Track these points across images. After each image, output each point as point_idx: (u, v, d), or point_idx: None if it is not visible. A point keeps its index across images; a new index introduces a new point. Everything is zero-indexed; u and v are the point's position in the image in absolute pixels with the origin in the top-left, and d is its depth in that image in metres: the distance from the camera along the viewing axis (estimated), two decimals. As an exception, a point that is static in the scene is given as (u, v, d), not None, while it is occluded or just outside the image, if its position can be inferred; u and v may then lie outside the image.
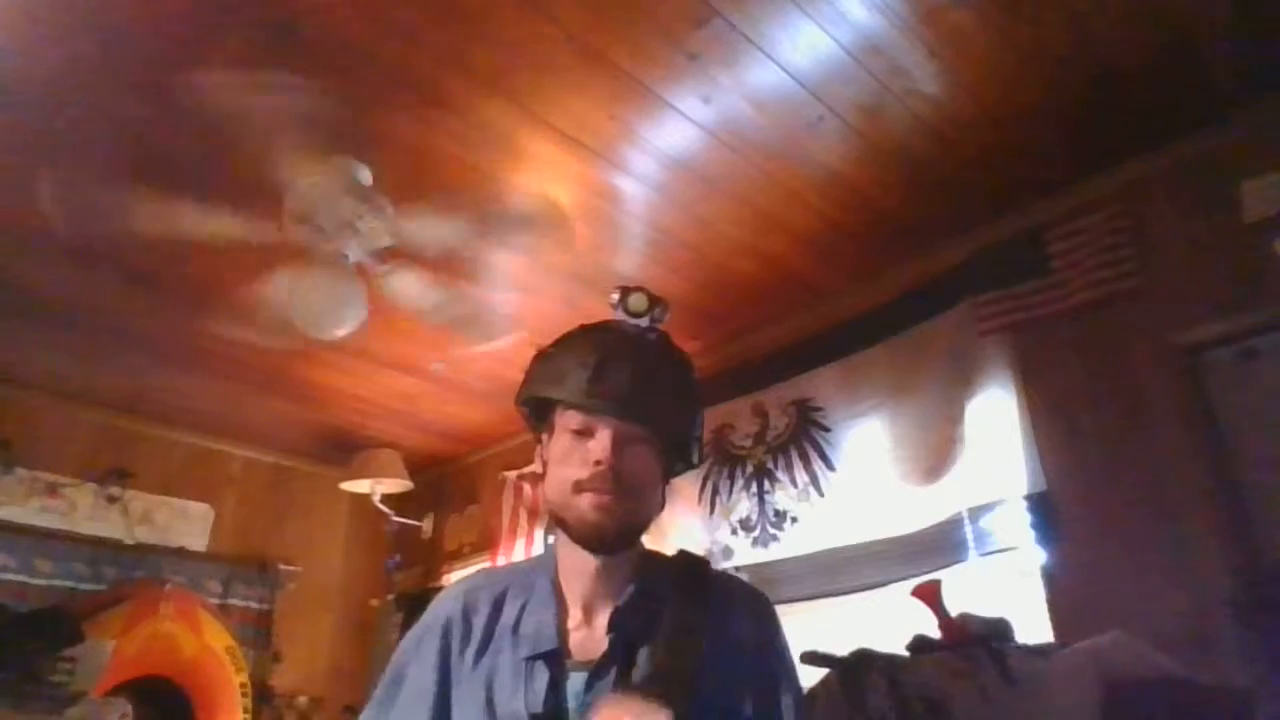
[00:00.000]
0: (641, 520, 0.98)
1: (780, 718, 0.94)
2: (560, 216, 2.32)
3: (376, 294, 2.40)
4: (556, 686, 0.90)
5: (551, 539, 1.05)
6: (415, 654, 0.98)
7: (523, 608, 0.98)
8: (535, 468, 1.03)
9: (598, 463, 0.92)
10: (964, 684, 1.49)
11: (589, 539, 0.94)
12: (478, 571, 1.11)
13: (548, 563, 1.03)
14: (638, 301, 1.01)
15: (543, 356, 1.02)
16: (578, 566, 0.98)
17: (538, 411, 1.03)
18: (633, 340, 1.00)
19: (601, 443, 0.93)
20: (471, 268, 2.61)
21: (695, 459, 1.07)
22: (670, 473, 1.04)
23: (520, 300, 2.81)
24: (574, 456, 0.94)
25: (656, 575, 0.99)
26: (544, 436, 1.02)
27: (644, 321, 1.01)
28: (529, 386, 1.01)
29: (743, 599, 1.03)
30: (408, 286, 2.44)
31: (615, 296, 1.02)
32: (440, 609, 1.00)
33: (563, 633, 0.95)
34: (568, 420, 0.96)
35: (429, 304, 2.55)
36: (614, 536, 0.94)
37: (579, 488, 0.93)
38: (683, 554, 1.06)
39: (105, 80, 1.91)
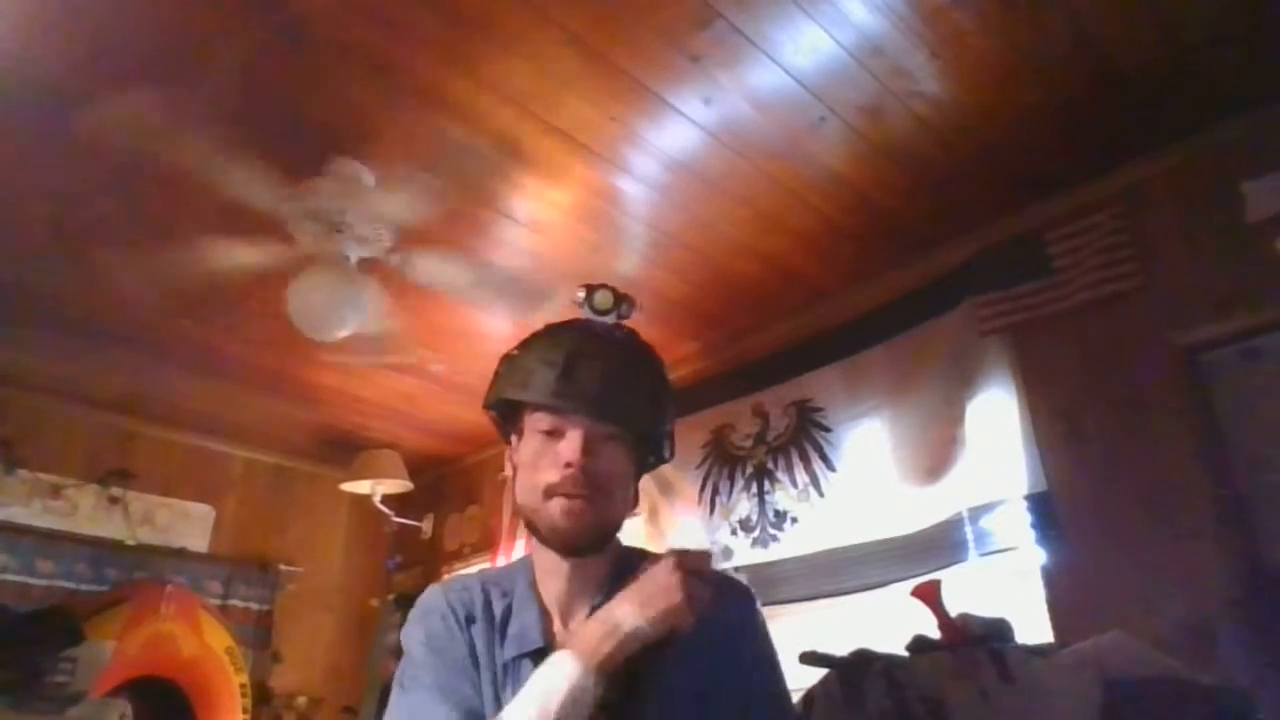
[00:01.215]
0: (612, 521, 0.97)
1: (752, 711, 0.93)
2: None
3: (393, 287, 2.40)
4: None
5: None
6: (430, 631, 0.95)
7: (507, 609, 0.97)
8: (505, 472, 1.02)
9: (568, 464, 0.90)
10: (964, 684, 1.49)
11: (559, 544, 0.93)
12: (457, 575, 1.09)
13: (525, 566, 1.02)
14: (603, 299, 1.00)
15: (508, 358, 1.00)
16: (552, 568, 0.97)
17: (506, 415, 1.02)
18: (600, 338, 0.98)
19: (572, 444, 0.91)
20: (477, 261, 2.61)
21: (667, 454, 1.05)
22: (642, 469, 1.03)
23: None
24: (544, 459, 0.93)
25: (635, 574, 0.97)
26: (513, 440, 1.01)
27: (610, 318, 1.00)
28: (496, 389, 0.99)
29: (725, 596, 1.00)
30: (432, 267, 2.42)
31: (580, 295, 1.01)
32: (434, 601, 0.98)
33: (548, 633, 0.95)
34: (537, 422, 0.95)
35: (462, 281, 2.50)
36: (585, 541, 0.93)
37: (550, 492, 0.92)
38: (669, 552, 1.05)
39: (107, 82, 1.91)
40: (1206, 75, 1.90)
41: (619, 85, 1.92)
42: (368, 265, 2.35)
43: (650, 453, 1.03)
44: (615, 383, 0.93)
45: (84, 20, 1.76)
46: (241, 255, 2.32)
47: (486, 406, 1.03)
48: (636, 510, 1.02)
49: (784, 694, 1.01)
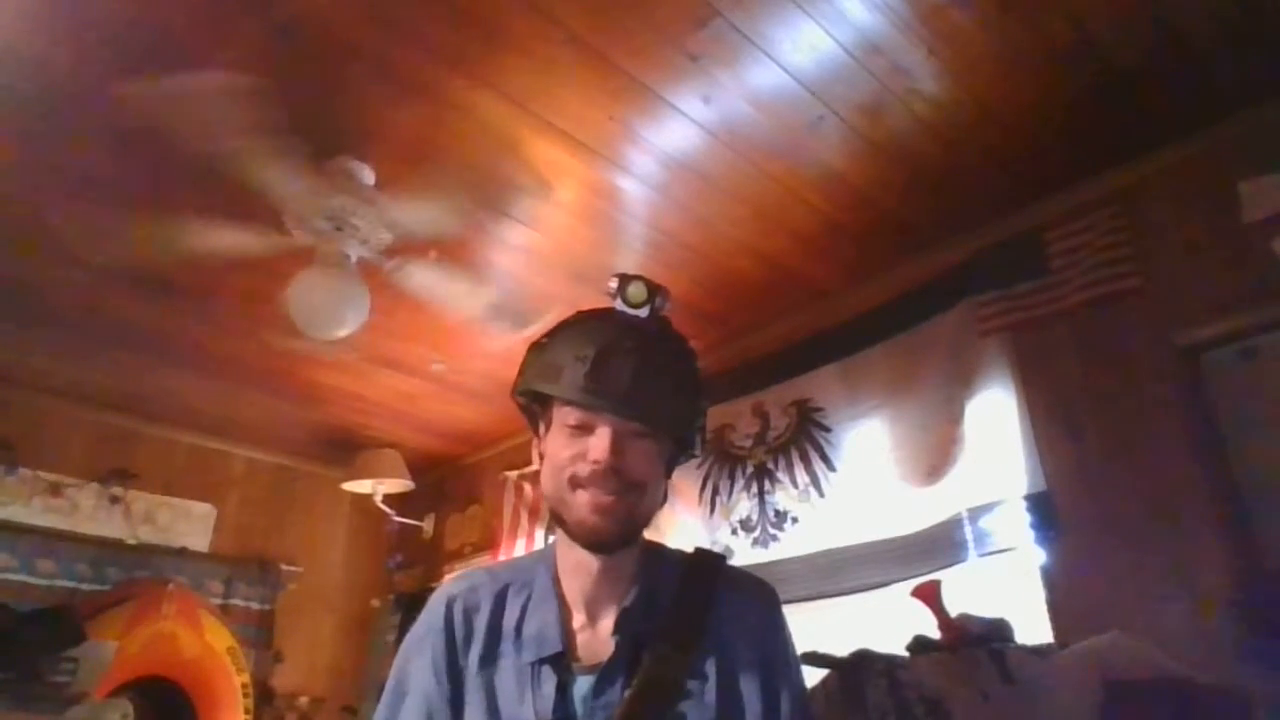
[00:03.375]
0: (642, 517, 0.95)
1: (780, 712, 0.93)
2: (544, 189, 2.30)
3: (382, 292, 2.40)
4: (563, 691, 0.88)
5: (552, 538, 1.04)
6: (418, 659, 0.96)
7: (524, 607, 0.96)
8: (533, 462, 1.00)
9: (596, 462, 0.89)
10: (964, 684, 1.49)
11: (588, 540, 0.92)
12: (476, 569, 1.08)
13: (547, 559, 1.00)
14: (637, 292, 0.96)
15: (537, 347, 0.98)
16: (579, 565, 0.95)
17: (533, 404, 1.00)
18: (632, 331, 0.94)
19: (601, 441, 0.89)
20: (473, 268, 2.61)
21: (697, 449, 1.02)
22: (673, 464, 1.01)
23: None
24: (572, 453, 0.91)
25: (662, 572, 0.98)
26: (541, 428, 0.99)
27: (643, 312, 0.96)
28: (524, 379, 0.97)
29: (750, 595, 1.02)
30: (425, 278, 2.42)
31: (613, 285, 0.98)
32: (440, 609, 0.98)
33: (568, 634, 0.93)
34: (565, 416, 0.93)
35: (452, 294, 2.50)
36: (614, 538, 0.92)
37: (576, 483, 0.90)
38: (698, 551, 1.05)
39: (108, 81, 1.91)
40: (1206, 75, 1.89)
41: (618, 84, 1.92)
42: (365, 268, 2.35)
43: (681, 449, 1.01)
44: (646, 380, 0.90)
45: (83, 16, 1.76)
46: (242, 253, 2.31)
47: (514, 394, 1.01)
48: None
49: (807, 695, 1.02)
